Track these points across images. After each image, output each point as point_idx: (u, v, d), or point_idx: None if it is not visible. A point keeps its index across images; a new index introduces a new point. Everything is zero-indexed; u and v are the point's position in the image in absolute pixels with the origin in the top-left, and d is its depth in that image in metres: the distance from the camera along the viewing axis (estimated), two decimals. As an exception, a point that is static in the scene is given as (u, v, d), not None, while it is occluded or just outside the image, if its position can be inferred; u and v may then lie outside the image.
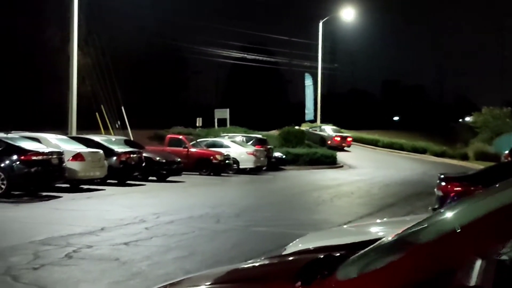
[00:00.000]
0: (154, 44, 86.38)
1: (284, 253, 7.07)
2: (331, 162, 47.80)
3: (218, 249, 13.02)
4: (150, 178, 30.22)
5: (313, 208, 21.49)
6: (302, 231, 15.41)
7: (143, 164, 28.62)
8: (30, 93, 62.71)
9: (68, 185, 24.45)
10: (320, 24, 66.06)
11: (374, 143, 64.59)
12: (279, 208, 21.08)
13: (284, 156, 44.69)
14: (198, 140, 39.74)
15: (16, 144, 21.75)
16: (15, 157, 21.10)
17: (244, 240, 14.23)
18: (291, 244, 7.44)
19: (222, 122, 62.85)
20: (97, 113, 42.05)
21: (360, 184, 32.71)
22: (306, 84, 70.98)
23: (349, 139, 59.99)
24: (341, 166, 48.26)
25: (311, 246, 6.96)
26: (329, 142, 57.33)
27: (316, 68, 68.71)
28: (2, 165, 20.99)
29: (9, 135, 23.23)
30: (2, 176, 20.84)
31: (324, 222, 17.34)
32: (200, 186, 29.32)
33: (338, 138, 58.60)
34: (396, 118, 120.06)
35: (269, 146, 42.98)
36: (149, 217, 17.18)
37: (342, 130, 63.12)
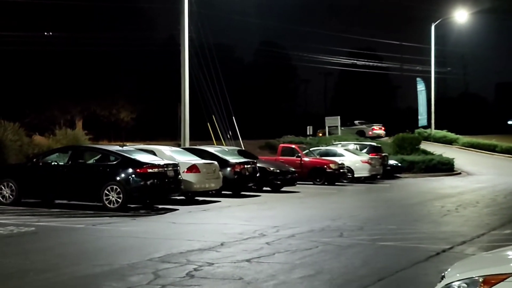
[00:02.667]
0: (263, 53, 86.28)
1: (444, 282, 6.24)
2: (448, 169, 46.27)
3: (346, 267, 12.17)
4: (264, 188, 29.67)
5: (438, 219, 20.33)
6: (433, 245, 14.47)
7: (258, 175, 28.03)
8: (144, 104, 63.58)
9: (183, 197, 24.12)
10: (433, 27, 64.30)
11: (491, 149, 62.08)
12: (403, 220, 20.05)
13: (399, 164, 43.40)
14: (310, 149, 38.97)
15: (132, 157, 21.48)
16: (131, 170, 20.81)
17: (372, 256, 13.33)
18: (446, 272, 6.63)
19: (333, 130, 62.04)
20: (208, 124, 41.89)
21: (483, 192, 31.22)
22: (418, 89, 69.15)
23: (382, 128, 65.97)
24: (459, 173, 46.63)
25: (472, 275, 6.11)
26: (370, 133, 63.75)
27: (428, 72, 66.96)
28: (118, 178, 20.75)
29: (125, 148, 23.09)
30: (119, 190, 20.58)
31: (455, 235, 16.27)
32: (316, 196, 28.53)
33: (377, 128, 65.58)
34: (511, 122, 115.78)
35: (384, 154, 41.80)
36: (269, 231, 16.51)
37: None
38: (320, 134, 62.41)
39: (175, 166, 22.15)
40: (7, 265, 12.11)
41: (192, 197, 24.70)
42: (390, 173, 41.25)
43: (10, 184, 22.10)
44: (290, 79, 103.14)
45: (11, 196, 22.05)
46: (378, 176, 39.35)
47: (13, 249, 13.92)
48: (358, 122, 67.31)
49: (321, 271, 11.74)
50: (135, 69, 63.12)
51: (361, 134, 62.96)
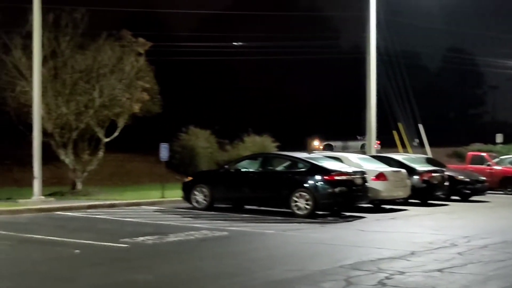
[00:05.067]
0: (449, 60, 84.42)
1: None
2: None
3: (544, 281, 11.71)
4: (453, 197, 28.99)
5: None
6: None
7: (446, 183, 27.47)
8: (328, 109, 64.09)
9: (370, 205, 24.06)
10: None
11: None
12: None
13: None
14: (501, 157, 37.66)
15: (320, 164, 21.73)
16: (319, 177, 21.02)
17: None
18: None
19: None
20: (394, 131, 41.56)
21: None
22: None
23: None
24: None
25: None
26: (375, 146, 56.27)
27: None
28: (307, 185, 21.03)
29: (313, 155, 23.40)
30: (307, 197, 20.87)
31: None
32: (508, 206, 27.61)
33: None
34: None
35: None
36: (460, 241, 16.14)
37: None
38: (321, 147, 56.35)
39: (362, 173, 22.19)
40: (203, 268, 12.63)
41: (379, 205, 24.58)
42: None
43: (203, 189, 22.97)
44: (477, 85, 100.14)
45: (204, 201, 22.91)
46: None
47: (208, 253, 14.49)
48: (360, 137, 63.65)
49: (517, 284, 11.38)
50: (319, 77, 63.69)
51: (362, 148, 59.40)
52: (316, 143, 50.18)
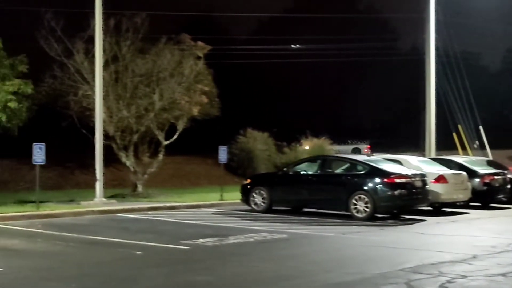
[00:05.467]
0: (510, 60, 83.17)
1: None
2: None
3: None
4: (515, 200, 28.53)
5: None
6: None
7: (508, 186, 27.06)
8: (386, 113, 63.71)
9: (430, 208, 23.83)
10: None
11: None
12: None
13: None
14: None
15: (379, 166, 21.67)
16: (378, 180, 20.98)
17: None
18: None
19: None
20: (454, 133, 41.02)
21: None
22: None
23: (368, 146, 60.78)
24: None
25: None
26: (365, 150, 57.00)
27: None
28: (366, 188, 20.98)
29: (372, 158, 23.31)
30: (366, 199, 20.81)
31: None
32: None
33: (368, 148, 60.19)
34: None
35: None
36: (523, 245, 15.94)
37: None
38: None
39: (422, 176, 22.04)
40: (263, 270, 12.73)
41: (439, 208, 24.34)
42: None
43: (262, 192, 23.07)
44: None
45: (262, 204, 23.01)
46: None
47: (268, 255, 14.60)
48: (351, 141, 62.00)
49: None
50: (377, 78, 63.36)
51: (357, 151, 56.75)
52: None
